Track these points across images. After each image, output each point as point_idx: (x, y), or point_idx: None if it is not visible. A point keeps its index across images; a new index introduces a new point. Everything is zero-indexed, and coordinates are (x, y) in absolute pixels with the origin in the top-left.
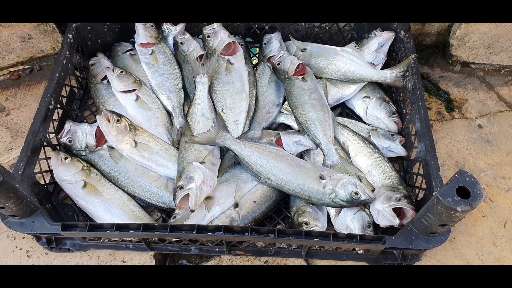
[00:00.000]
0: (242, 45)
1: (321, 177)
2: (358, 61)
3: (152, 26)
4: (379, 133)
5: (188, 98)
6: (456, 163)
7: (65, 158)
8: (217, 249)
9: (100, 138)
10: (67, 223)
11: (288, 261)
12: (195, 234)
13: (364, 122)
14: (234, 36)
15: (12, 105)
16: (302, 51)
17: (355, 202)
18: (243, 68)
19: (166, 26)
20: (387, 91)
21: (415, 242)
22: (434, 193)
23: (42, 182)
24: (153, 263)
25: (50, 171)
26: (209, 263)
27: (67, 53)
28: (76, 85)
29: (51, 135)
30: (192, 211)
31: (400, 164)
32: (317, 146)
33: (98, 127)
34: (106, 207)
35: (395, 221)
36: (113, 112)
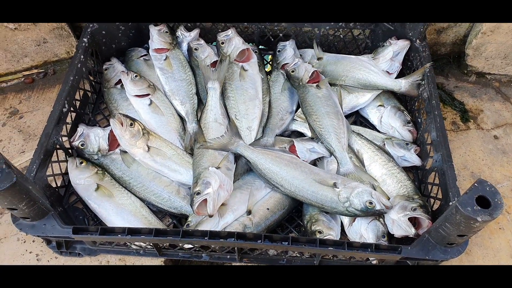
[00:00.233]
0: (256, 52)
1: (335, 185)
2: (373, 69)
3: (166, 32)
4: (393, 142)
5: (201, 104)
6: (472, 173)
7: (80, 163)
8: (228, 257)
9: (112, 142)
10: (78, 227)
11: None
12: (207, 240)
13: (378, 131)
14: (248, 44)
15: (26, 108)
16: (318, 59)
17: (369, 211)
18: (257, 74)
19: (180, 32)
20: (402, 100)
21: (432, 252)
22: (451, 203)
23: (53, 185)
24: None
25: (62, 174)
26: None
27: (82, 57)
28: (89, 89)
29: (64, 139)
30: (211, 216)
31: (414, 174)
32: (331, 154)
33: (111, 131)
34: (118, 211)
35: (411, 231)
36: (127, 116)
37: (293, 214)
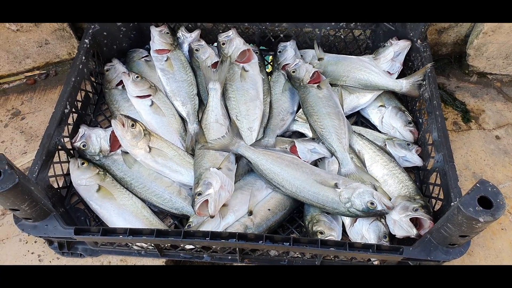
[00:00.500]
0: (256, 52)
1: (336, 186)
2: (374, 70)
3: (167, 33)
4: (395, 143)
5: (202, 104)
6: (473, 174)
7: (82, 164)
8: (229, 257)
9: (114, 143)
10: (80, 227)
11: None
12: (208, 241)
13: (379, 131)
14: (249, 44)
15: (27, 109)
16: (319, 59)
17: (371, 212)
18: (258, 75)
19: (181, 33)
20: (403, 101)
21: (434, 253)
22: (452, 204)
23: (55, 186)
24: None
25: (64, 175)
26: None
27: (83, 58)
28: (91, 90)
29: (66, 139)
30: (212, 216)
31: (415, 174)
32: (332, 154)
33: (112, 131)
34: (119, 212)
35: (413, 232)
36: (128, 117)
37: (294, 215)
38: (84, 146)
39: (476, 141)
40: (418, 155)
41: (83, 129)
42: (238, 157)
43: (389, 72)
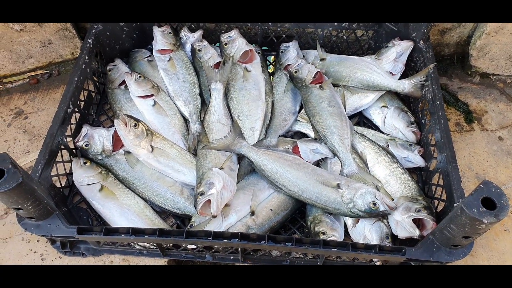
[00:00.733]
0: (259, 53)
1: (339, 186)
2: (376, 70)
3: (170, 33)
4: (397, 143)
5: (204, 104)
6: (476, 175)
7: (85, 163)
8: (231, 257)
9: (116, 142)
10: (83, 227)
11: None
12: (211, 241)
13: (382, 132)
14: (251, 44)
15: (30, 109)
16: (321, 60)
17: (373, 212)
18: (260, 75)
19: (183, 33)
20: (405, 101)
21: (436, 254)
22: (455, 205)
23: (58, 185)
24: None
25: (66, 174)
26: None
27: (86, 58)
28: (93, 90)
29: (68, 139)
30: (214, 216)
31: (418, 175)
32: (335, 154)
33: (115, 131)
34: (122, 212)
35: (415, 232)
36: (131, 117)
37: (297, 215)
38: (86, 145)
39: (479, 142)
40: (420, 155)
41: (85, 129)
42: (240, 157)
43: (391, 73)
